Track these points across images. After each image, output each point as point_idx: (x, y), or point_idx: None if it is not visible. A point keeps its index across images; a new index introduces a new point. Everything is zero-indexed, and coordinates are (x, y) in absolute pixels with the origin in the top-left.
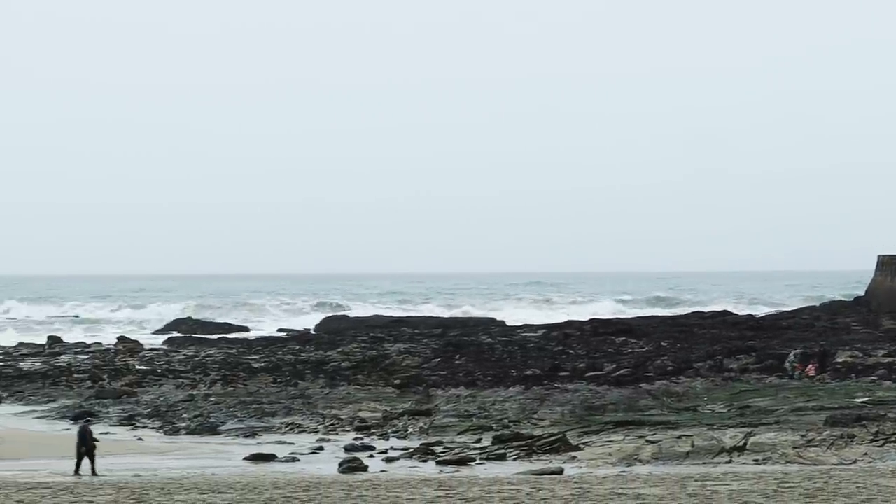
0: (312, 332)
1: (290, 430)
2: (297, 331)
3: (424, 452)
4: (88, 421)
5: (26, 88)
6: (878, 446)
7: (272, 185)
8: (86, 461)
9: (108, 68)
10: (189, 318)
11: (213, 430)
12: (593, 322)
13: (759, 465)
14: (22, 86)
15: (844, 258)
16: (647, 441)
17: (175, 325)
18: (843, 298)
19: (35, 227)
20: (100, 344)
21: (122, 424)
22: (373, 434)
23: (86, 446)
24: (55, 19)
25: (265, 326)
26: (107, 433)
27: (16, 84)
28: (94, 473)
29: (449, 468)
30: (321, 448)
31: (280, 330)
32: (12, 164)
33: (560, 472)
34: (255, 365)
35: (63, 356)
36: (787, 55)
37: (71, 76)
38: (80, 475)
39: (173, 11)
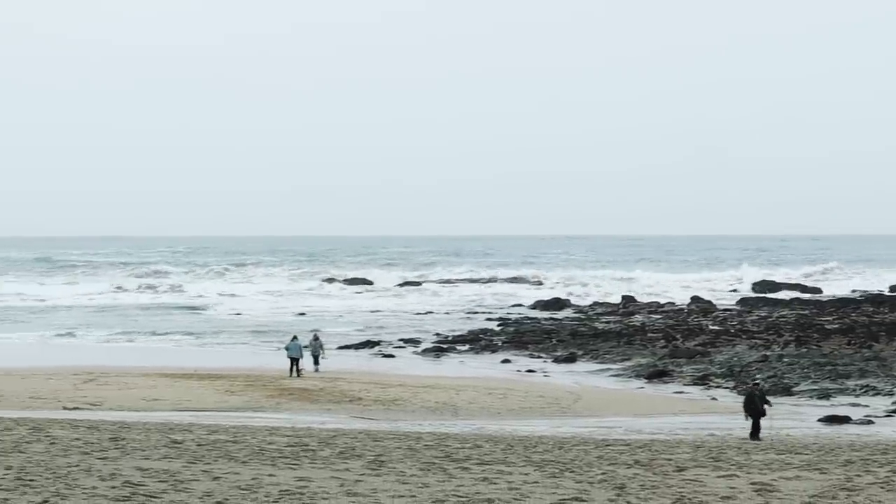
0: (887, 293)
1: (865, 392)
2: (871, 292)
3: None
4: (757, 384)
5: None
6: None
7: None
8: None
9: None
10: (763, 281)
11: (786, 391)
12: None
13: None
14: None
15: None
16: None
17: (749, 285)
18: None
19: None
20: (673, 304)
21: (695, 384)
22: None
23: (754, 409)
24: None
25: (836, 288)
26: (680, 392)
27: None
28: (756, 438)
29: None
30: None
31: (854, 291)
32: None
33: None
34: (829, 326)
35: (636, 315)
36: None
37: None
38: (759, 439)
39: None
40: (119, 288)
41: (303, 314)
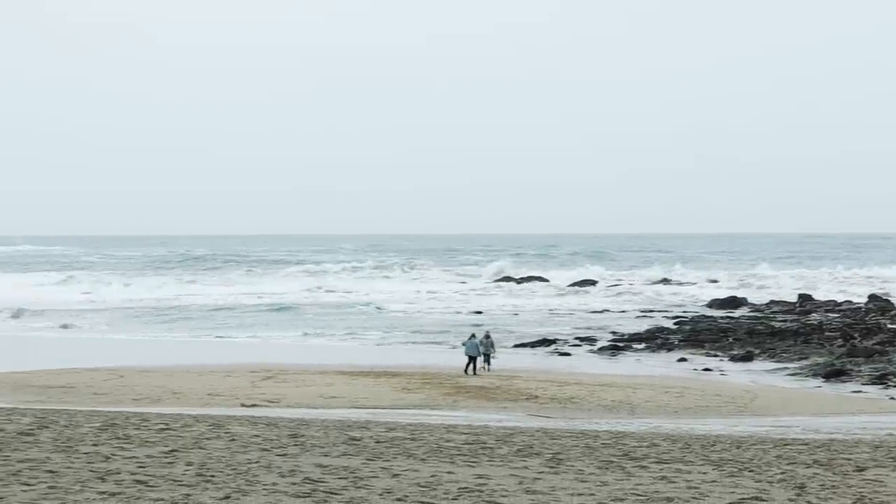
0: None
1: None
2: None
3: None
4: None
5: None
6: None
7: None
8: None
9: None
10: None
11: None
12: None
13: None
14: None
15: None
16: None
17: None
18: None
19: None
20: (850, 302)
21: (873, 383)
22: None
23: None
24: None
25: None
26: (858, 391)
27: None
28: None
29: None
30: None
31: None
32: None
33: None
34: None
35: (814, 314)
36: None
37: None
38: None
39: None
40: (291, 287)
41: (479, 312)
